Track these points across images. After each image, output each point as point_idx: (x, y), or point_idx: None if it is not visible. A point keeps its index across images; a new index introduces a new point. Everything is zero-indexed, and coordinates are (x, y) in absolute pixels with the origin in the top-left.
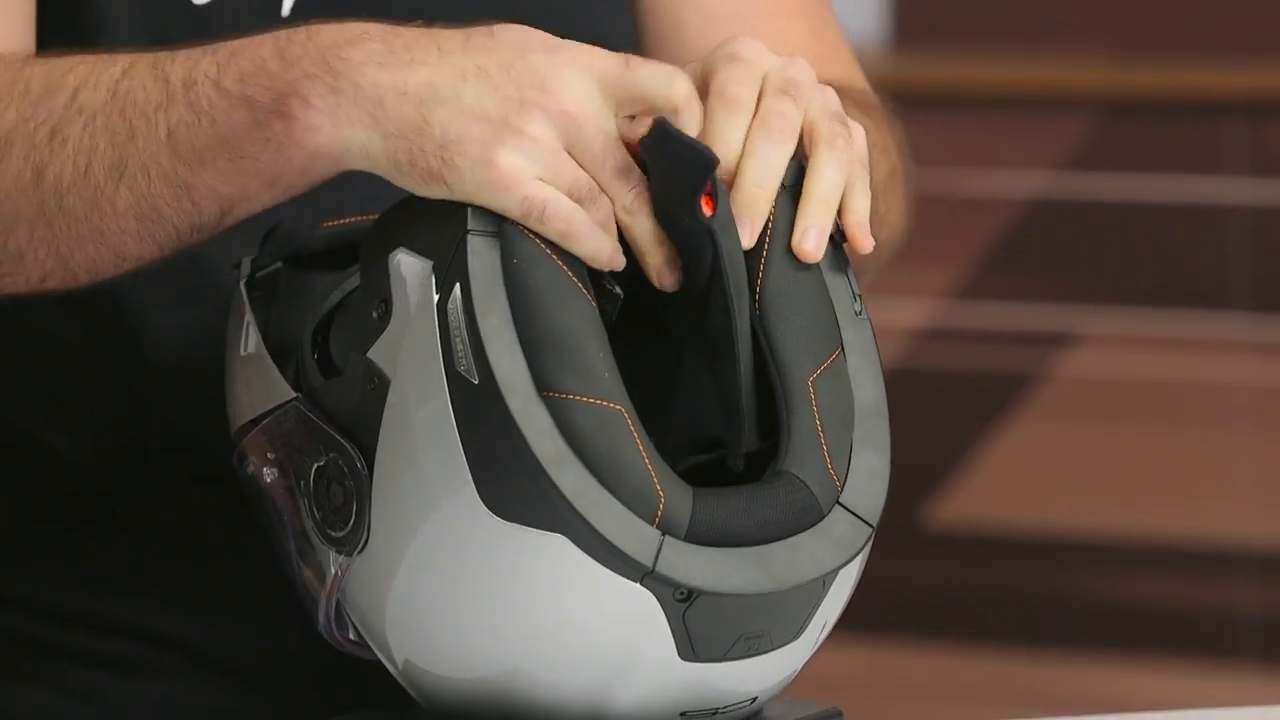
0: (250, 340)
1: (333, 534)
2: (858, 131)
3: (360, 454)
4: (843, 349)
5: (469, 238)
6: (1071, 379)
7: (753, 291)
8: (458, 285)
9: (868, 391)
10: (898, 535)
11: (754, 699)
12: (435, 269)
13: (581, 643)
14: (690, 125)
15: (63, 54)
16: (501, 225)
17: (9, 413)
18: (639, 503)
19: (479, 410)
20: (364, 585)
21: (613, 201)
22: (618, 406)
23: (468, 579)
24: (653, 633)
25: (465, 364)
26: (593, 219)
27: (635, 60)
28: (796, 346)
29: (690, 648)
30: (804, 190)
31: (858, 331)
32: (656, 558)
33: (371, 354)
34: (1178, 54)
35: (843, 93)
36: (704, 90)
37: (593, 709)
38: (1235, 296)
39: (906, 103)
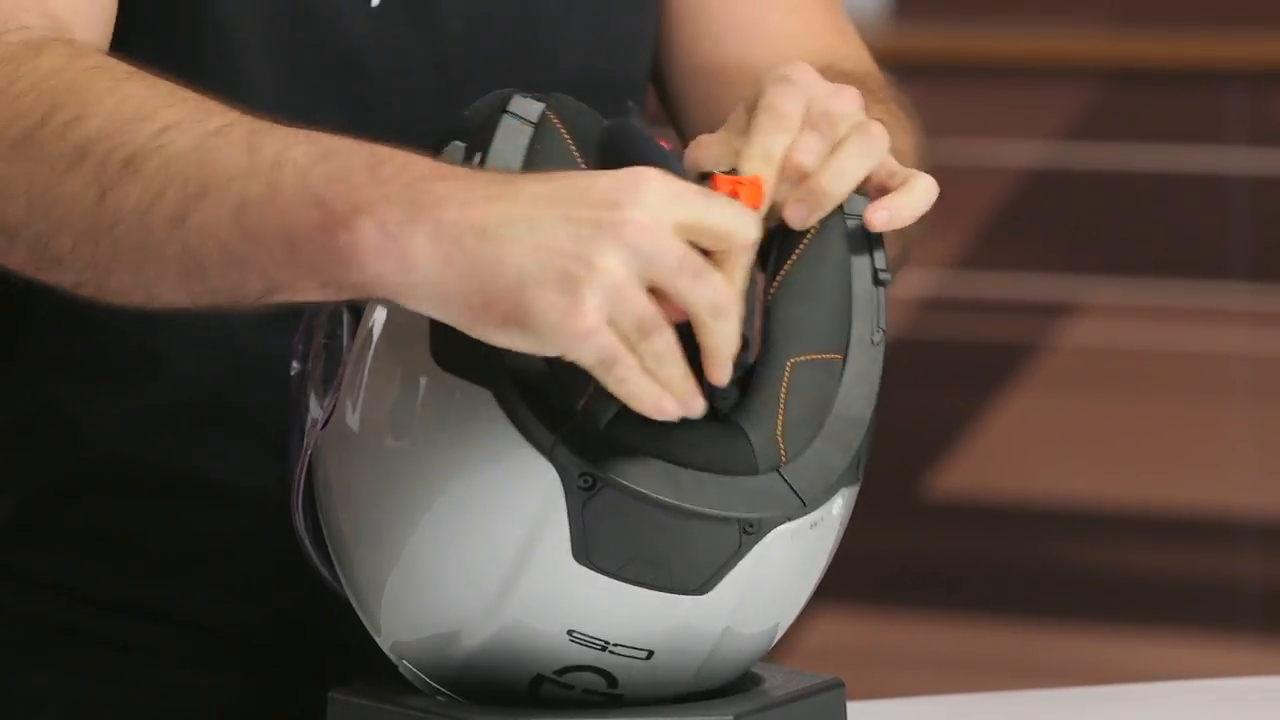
0: None
1: (318, 405)
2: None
3: (355, 324)
4: (845, 360)
5: (504, 117)
6: (1071, 349)
7: (775, 276)
8: (478, 156)
9: (854, 409)
10: (898, 504)
11: (649, 655)
12: (468, 146)
13: (487, 522)
14: (741, 267)
15: (175, 82)
16: (541, 118)
17: (42, 388)
18: (571, 382)
19: None
20: (326, 463)
21: (693, 305)
22: None
23: (404, 438)
24: (551, 521)
25: None
26: (654, 350)
27: (712, 194)
28: (790, 330)
29: (585, 547)
30: (818, 173)
31: (868, 357)
32: (568, 431)
33: None
34: (1179, 23)
35: (866, 88)
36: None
37: (484, 613)
38: (1235, 266)
39: (907, 72)
